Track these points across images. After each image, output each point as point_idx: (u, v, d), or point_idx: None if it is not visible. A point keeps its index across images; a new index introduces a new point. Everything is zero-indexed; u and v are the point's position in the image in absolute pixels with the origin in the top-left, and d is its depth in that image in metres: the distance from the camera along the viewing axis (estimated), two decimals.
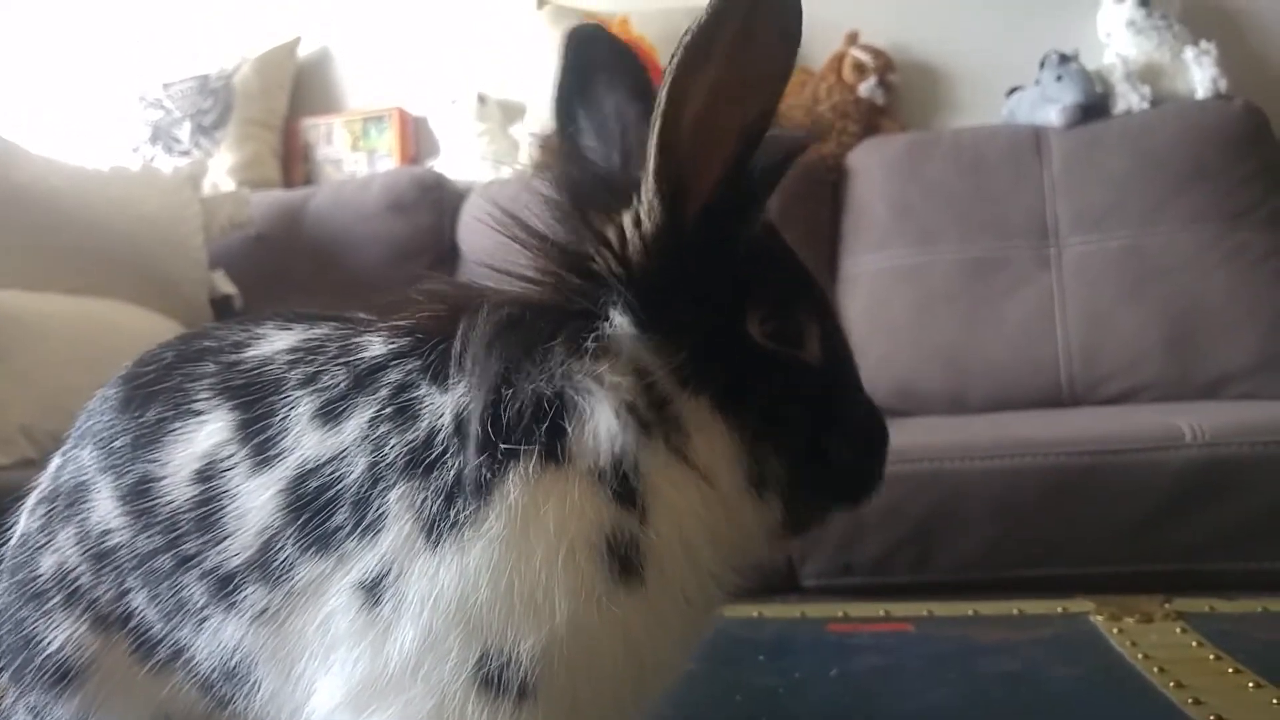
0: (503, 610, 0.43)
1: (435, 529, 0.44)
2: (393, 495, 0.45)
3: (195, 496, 0.50)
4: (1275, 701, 0.74)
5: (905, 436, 1.61)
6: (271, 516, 0.48)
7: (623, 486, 0.46)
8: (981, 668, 0.87)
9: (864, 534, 1.44)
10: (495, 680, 0.43)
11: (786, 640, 0.95)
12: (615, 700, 0.47)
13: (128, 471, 0.53)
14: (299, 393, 0.50)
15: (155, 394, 0.55)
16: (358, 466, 0.46)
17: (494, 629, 0.43)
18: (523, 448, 0.44)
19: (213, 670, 0.50)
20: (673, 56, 0.44)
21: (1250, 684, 0.77)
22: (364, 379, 0.49)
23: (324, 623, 0.46)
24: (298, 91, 2.90)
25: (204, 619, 0.50)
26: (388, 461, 0.46)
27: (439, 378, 0.48)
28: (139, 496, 0.52)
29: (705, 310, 0.49)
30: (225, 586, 0.49)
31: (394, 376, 0.49)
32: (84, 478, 0.55)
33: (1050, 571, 1.40)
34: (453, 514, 0.44)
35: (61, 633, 0.53)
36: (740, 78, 0.46)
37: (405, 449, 0.46)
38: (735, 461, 0.49)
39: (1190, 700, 0.74)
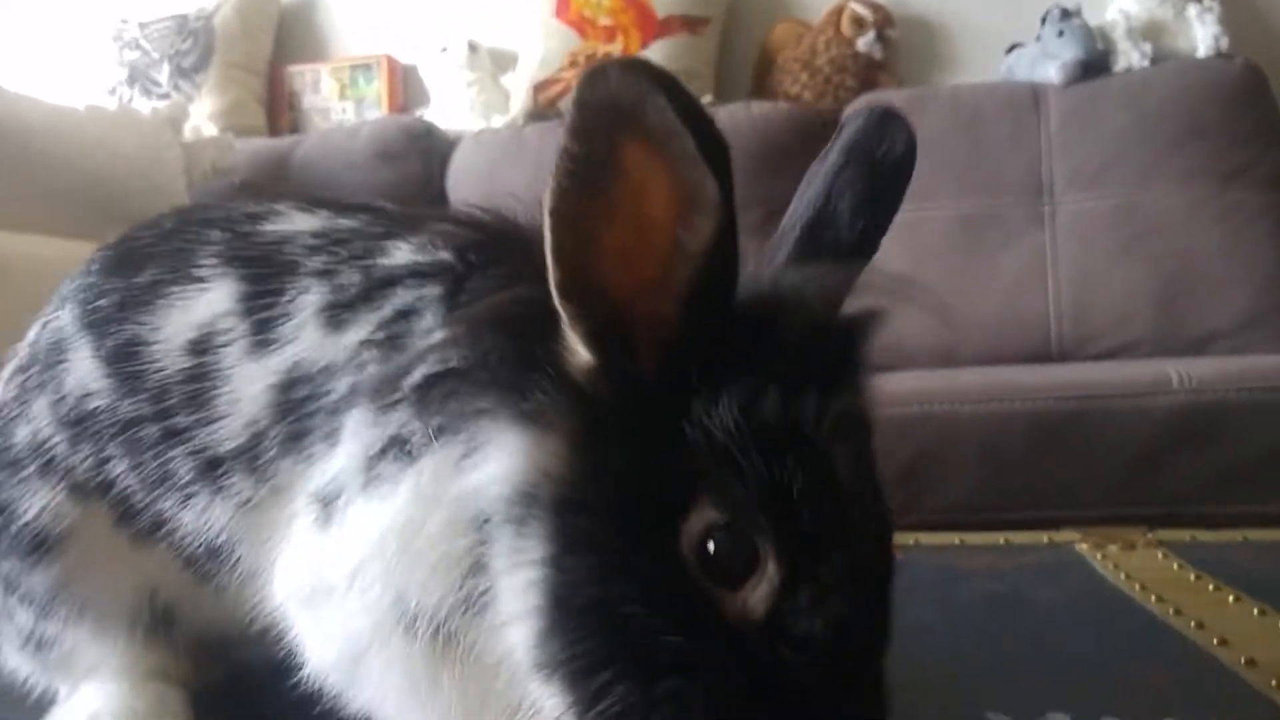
0: (407, 567, 0.42)
1: (371, 470, 0.43)
2: (353, 417, 0.44)
3: (189, 369, 0.49)
4: (1257, 613, 0.74)
5: (894, 382, 1.60)
6: (262, 411, 0.47)
7: (477, 558, 0.41)
8: (966, 590, 0.87)
9: None
10: (412, 622, 0.43)
11: None
12: None
13: (114, 332, 0.51)
14: (312, 281, 0.49)
15: (151, 257, 0.53)
16: (341, 386, 0.46)
17: (403, 578, 0.43)
18: (444, 445, 0.42)
19: (198, 546, 0.50)
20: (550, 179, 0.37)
21: (1231, 598, 0.77)
22: (374, 291, 0.47)
23: (289, 520, 0.47)
24: (282, 36, 2.84)
25: (190, 496, 0.49)
26: (362, 386, 0.45)
27: (447, 310, 0.45)
28: (125, 359, 0.51)
29: (632, 470, 0.39)
30: (213, 469, 0.48)
31: (403, 297, 0.47)
32: (62, 338, 0.53)
33: (1036, 515, 1.40)
34: (381, 467, 0.43)
35: (38, 501, 0.52)
36: (656, 198, 0.37)
37: (378, 379, 0.44)
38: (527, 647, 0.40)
39: (1173, 612, 0.74)
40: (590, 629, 0.38)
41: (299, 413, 0.46)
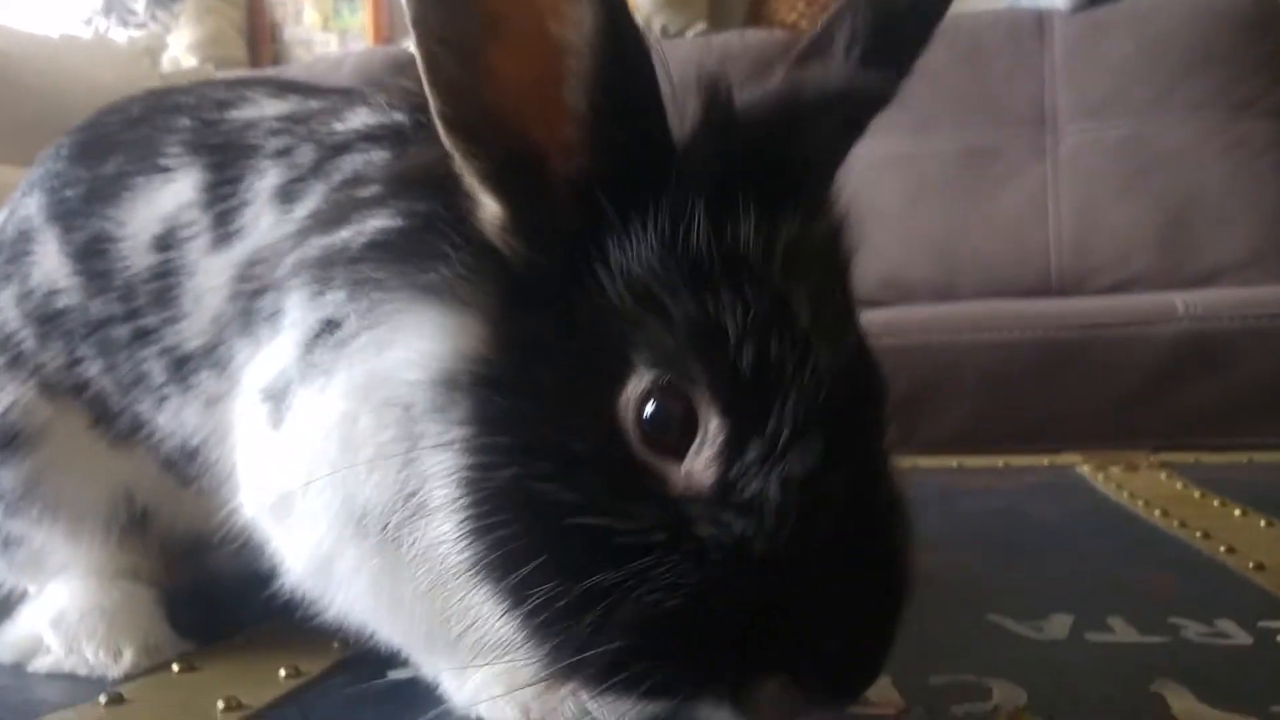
0: (349, 465, 0.39)
1: (309, 357, 0.40)
2: (293, 298, 0.42)
3: (154, 266, 0.48)
4: (1264, 524, 0.72)
5: (892, 314, 1.58)
6: (224, 304, 0.46)
7: (406, 451, 0.37)
8: (966, 506, 0.86)
9: None
10: (362, 520, 0.40)
11: None
12: None
13: (80, 226, 0.50)
14: (269, 163, 0.47)
15: (117, 145, 0.52)
16: (288, 263, 0.43)
17: (348, 477, 0.39)
18: (369, 329, 0.38)
19: (174, 448, 0.49)
20: None
21: (1238, 512, 0.76)
22: (325, 161, 0.45)
23: (242, 415, 0.45)
24: None
25: (164, 397, 0.48)
26: (305, 259, 0.42)
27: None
28: (93, 256, 0.49)
29: (556, 337, 0.34)
30: (182, 368, 0.47)
31: (351, 163, 0.44)
32: (29, 228, 0.52)
33: (1037, 445, 1.38)
34: (317, 354, 0.40)
35: (6, 396, 0.51)
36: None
37: (319, 251, 0.41)
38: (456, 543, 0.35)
39: (1178, 524, 0.73)
40: (508, 516, 0.33)
41: (249, 293, 0.45)
